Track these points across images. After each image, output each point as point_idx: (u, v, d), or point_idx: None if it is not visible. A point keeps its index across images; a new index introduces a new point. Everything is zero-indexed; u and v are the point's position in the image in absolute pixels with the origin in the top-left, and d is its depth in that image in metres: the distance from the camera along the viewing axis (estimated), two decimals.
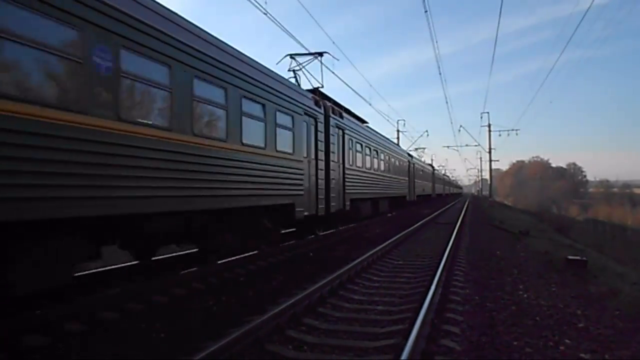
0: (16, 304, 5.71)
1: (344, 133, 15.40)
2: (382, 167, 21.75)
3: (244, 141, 8.78)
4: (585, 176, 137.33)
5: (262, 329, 4.78)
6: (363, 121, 20.39)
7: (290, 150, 11.05)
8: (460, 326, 5.35)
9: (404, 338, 4.55)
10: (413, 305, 6.01)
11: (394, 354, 4.26)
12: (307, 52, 15.58)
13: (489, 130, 49.91)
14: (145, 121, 6.33)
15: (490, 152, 51.39)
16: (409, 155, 33.04)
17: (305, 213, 11.92)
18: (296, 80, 14.88)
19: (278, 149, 10.26)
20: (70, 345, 4.71)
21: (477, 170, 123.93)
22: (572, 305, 6.60)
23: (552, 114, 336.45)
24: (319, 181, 13.00)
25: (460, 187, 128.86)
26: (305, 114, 12.08)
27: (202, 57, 7.53)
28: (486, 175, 72.16)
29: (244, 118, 8.78)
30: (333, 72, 19.64)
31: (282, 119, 10.60)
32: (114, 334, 5.08)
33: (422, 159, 48.78)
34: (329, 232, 15.41)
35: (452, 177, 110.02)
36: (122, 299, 6.15)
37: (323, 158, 13.34)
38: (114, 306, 5.88)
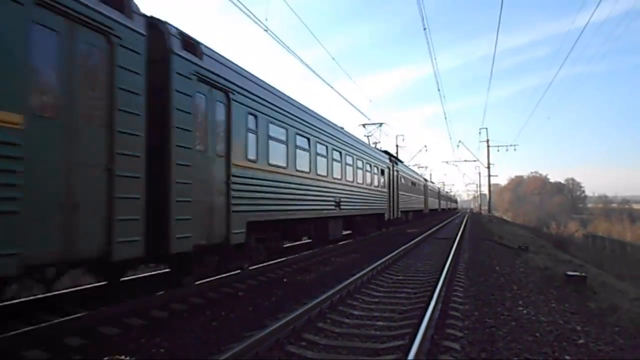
0: (15, 317, 5.72)
1: (229, 99, 8.33)
2: (335, 173, 14.64)
3: None
4: (583, 191, 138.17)
5: None
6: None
7: None
8: (460, 342, 5.35)
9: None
10: (413, 321, 6.02)
11: None
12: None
13: (488, 146, 50.06)
14: None
15: (489, 168, 51.50)
16: (391, 159, 25.06)
17: (28, 262, 4.70)
18: None
19: None
20: None
21: (475, 186, 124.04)
22: (572, 322, 6.60)
23: (550, 130, 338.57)
24: (124, 182, 5.89)
25: (456, 202, 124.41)
26: (42, 4, 4.96)
27: None
28: (485, 190, 72.25)
29: None
30: (332, 87, 19.91)
31: None
32: (113, 349, 5.07)
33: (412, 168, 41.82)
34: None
35: (450, 191, 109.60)
36: (121, 313, 6.14)
37: (140, 133, 6.17)
38: (113, 321, 5.88)
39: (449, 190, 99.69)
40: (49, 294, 6.60)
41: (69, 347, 5.04)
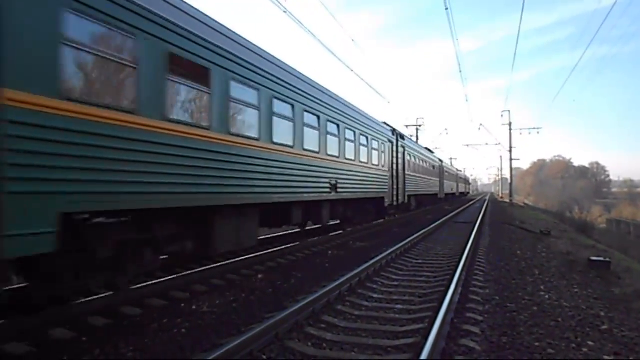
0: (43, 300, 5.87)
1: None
2: (314, 144, 10.90)
3: None
4: (608, 176, 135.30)
5: None
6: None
7: None
8: (481, 326, 5.31)
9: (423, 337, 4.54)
10: (433, 305, 5.99)
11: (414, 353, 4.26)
12: None
13: (510, 129, 49.06)
14: None
15: (510, 151, 50.54)
16: (395, 133, 20.38)
17: None
18: None
19: None
20: (94, 339, 4.82)
21: (497, 169, 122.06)
22: (595, 307, 6.49)
23: (575, 113, 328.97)
24: None
25: (468, 182, 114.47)
26: None
27: None
28: (506, 174, 71.17)
29: None
30: (352, 70, 19.51)
31: None
32: (136, 329, 5.18)
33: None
34: None
35: (472, 175, 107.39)
36: (143, 295, 6.26)
37: None
38: (135, 302, 6.00)
39: (470, 175, 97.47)
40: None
41: (93, 326, 5.17)
